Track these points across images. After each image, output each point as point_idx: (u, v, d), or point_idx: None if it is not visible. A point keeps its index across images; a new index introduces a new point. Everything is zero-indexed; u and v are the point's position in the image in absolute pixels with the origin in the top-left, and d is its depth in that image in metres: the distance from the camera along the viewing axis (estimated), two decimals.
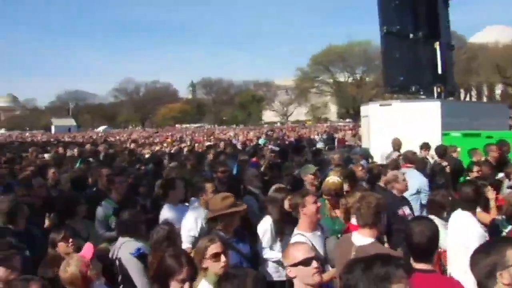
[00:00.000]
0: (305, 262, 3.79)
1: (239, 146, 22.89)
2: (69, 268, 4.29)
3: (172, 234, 5.15)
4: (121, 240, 5.68)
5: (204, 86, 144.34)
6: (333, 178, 6.96)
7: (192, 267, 3.92)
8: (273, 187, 7.60)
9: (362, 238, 4.79)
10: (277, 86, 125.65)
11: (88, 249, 4.58)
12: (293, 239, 5.34)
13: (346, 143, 24.93)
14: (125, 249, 5.46)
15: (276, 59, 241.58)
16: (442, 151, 11.20)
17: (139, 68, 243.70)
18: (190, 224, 6.47)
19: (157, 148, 22.89)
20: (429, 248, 4.05)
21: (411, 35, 15.42)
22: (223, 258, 4.26)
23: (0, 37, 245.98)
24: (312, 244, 4.85)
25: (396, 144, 12.57)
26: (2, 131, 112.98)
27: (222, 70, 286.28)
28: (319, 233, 5.68)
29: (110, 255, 5.54)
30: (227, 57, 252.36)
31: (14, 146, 30.13)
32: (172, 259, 3.86)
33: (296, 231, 5.60)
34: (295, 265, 3.81)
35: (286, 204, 6.32)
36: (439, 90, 15.56)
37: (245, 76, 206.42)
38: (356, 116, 61.80)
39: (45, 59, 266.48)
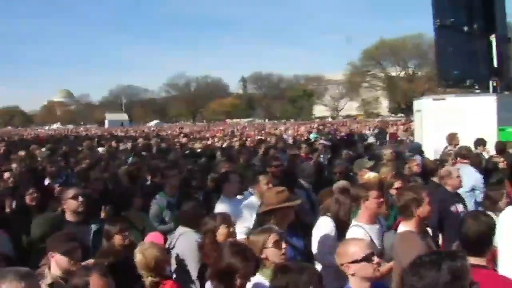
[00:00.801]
0: (366, 258, 3.72)
1: (290, 141, 22.90)
2: (149, 252, 4.42)
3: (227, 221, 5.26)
4: (180, 230, 5.82)
5: (255, 80, 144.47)
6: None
7: (256, 261, 3.99)
8: (336, 186, 7.45)
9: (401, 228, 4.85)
10: (328, 81, 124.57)
11: (157, 236, 4.72)
12: (351, 232, 5.29)
13: (398, 138, 24.62)
14: (183, 240, 5.60)
15: (327, 53, 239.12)
16: (501, 147, 10.95)
17: (190, 63, 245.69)
18: (245, 215, 6.54)
19: (209, 142, 23.08)
20: (482, 242, 4.00)
21: (465, 28, 15.03)
22: (283, 245, 4.32)
23: (54, 34, 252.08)
24: (370, 238, 4.89)
25: (452, 139, 12.31)
26: (58, 125, 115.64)
27: (273, 64, 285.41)
28: (377, 226, 5.56)
29: (166, 245, 5.65)
30: (278, 52, 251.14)
31: (70, 140, 30.86)
32: (235, 255, 3.87)
33: (354, 222, 5.51)
34: (355, 261, 3.72)
35: None
36: (494, 84, 15.15)
37: (296, 71, 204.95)
38: (408, 111, 60.82)
39: (99, 55, 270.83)
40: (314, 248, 5.83)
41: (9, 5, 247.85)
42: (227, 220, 5.25)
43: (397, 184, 7.06)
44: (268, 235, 4.35)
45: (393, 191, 6.85)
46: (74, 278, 3.57)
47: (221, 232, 5.10)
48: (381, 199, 5.62)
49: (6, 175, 9.21)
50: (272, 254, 4.27)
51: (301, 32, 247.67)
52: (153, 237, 4.86)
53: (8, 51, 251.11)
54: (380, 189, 6.38)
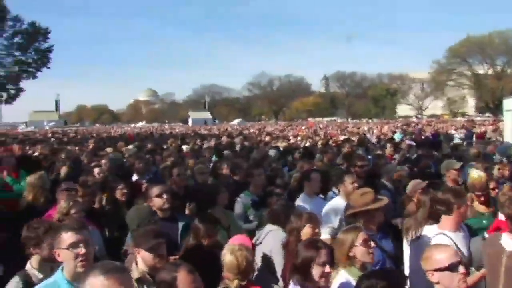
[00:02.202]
0: (451, 267, 3.58)
1: (373, 141, 22.57)
2: (241, 254, 4.40)
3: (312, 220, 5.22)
4: (268, 227, 5.86)
5: (337, 79, 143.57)
6: (477, 172, 6.63)
7: (330, 251, 3.99)
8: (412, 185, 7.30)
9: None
10: (412, 79, 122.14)
11: (246, 239, 4.74)
12: (436, 240, 4.92)
13: (486, 138, 23.79)
14: (271, 237, 5.64)
15: (411, 51, 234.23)
16: None
17: (273, 62, 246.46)
18: (329, 216, 6.50)
19: (291, 141, 23.08)
20: None
21: None
22: (372, 244, 4.30)
23: (141, 35, 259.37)
24: (456, 246, 4.63)
25: None
26: (143, 123, 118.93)
27: (355, 63, 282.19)
28: (462, 233, 5.15)
29: (253, 241, 5.68)
30: (361, 50, 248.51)
31: (155, 138, 31.62)
32: (307, 248, 3.97)
33: (437, 230, 5.09)
34: (439, 269, 3.61)
35: None
36: None
37: (379, 69, 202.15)
38: (496, 110, 58.77)
39: (182, 54, 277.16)
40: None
41: (97, 6, 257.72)
42: (313, 220, 5.20)
43: (492, 184, 6.82)
44: (357, 233, 4.33)
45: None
46: (161, 274, 3.61)
47: (306, 231, 5.08)
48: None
49: (96, 170, 9.51)
50: (360, 252, 4.25)
51: (384, 30, 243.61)
52: (241, 239, 4.87)
53: (98, 52, 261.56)
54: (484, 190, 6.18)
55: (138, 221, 5.99)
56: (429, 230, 5.12)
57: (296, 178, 8.99)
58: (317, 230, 5.18)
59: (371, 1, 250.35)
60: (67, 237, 3.58)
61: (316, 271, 3.85)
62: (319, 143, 19.82)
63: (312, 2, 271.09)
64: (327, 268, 3.87)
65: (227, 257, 4.42)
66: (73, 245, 3.54)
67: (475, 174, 6.58)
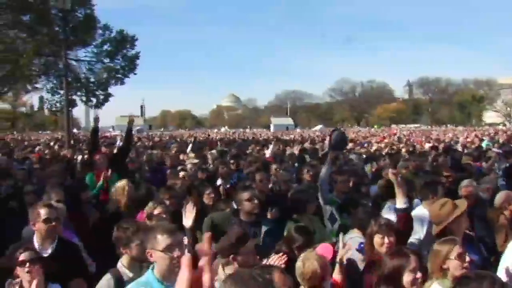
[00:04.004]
0: None
1: (459, 149, 21.91)
2: (309, 264, 4.35)
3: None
4: (350, 234, 5.79)
5: (421, 85, 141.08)
6: None
7: (419, 258, 3.92)
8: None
9: None
10: (500, 85, 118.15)
11: (328, 249, 4.71)
12: None
13: None
14: (353, 244, 5.53)
15: (499, 56, 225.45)
16: None
17: (355, 68, 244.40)
18: (416, 226, 6.33)
19: (374, 148, 22.76)
20: None
21: None
22: (467, 258, 4.17)
23: (224, 41, 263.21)
24: None
25: None
26: (225, 128, 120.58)
27: (440, 68, 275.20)
28: None
29: (336, 247, 5.62)
30: (446, 55, 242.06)
31: (238, 143, 31.96)
32: (394, 256, 3.93)
33: None
34: None
35: None
36: None
37: (465, 74, 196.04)
38: None
39: (265, 60, 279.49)
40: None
41: (180, 14, 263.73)
42: (385, 229, 5.07)
43: None
44: (453, 246, 4.22)
45: None
46: None
47: (376, 240, 4.99)
48: None
49: (181, 174, 9.70)
50: (454, 266, 4.13)
51: (470, 33, 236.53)
52: (323, 249, 4.83)
53: (182, 58, 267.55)
54: None
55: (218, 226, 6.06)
56: None
57: (380, 185, 8.84)
58: (386, 241, 5.01)
59: (455, 2, 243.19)
60: (163, 239, 3.64)
61: (407, 278, 3.80)
62: (403, 150, 19.46)
63: (394, 5, 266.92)
64: (419, 274, 3.82)
65: (298, 263, 4.45)
66: (169, 248, 3.61)
67: None
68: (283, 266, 4.38)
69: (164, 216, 5.92)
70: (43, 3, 30.08)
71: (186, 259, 1.14)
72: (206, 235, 4.81)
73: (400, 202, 5.61)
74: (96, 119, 11.17)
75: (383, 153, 17.34)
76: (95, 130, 11.25)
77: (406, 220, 5.63)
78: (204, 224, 6.15)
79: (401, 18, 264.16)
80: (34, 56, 33.20)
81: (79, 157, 14.63)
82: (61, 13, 31.49)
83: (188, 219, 5.17)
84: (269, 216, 7.08)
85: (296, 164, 13.62)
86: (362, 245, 5.33)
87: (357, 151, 19.58)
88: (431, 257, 4.31)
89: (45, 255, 4.71)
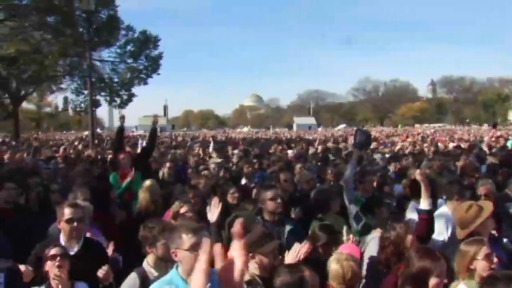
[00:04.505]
0: None
1: (484, 148, 21.66)
2: (347, 264, 4.27)
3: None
4: (373, 234, 5.78)
5: (445, 84, 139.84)
6: None
7: (447, 261, 3.88)
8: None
9: None
10: None
11: (355, 248, 4.70)
12: None
13: None
14: (373, 244, 5.52)
15: None
16: None
17: (378, 67, 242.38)
18: (439, 227, 6.27)
19: (398, 147, 22.61)
20: None
21: None
22: (495, 259, 4.14)
23: (246, 41, 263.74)
24: None
25: None
26: (248, 128, 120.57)
27: (464, 67, 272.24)
28: None
29: (359, 247, 5.62)
30: (470, 53, 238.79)
31: (261, 143, 31.94)
32: (423, 257, 3.83)
33: None
34: None
35: None
36: None
37: (490, 73, 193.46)
38: None
39: (287, 60, 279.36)
40: None
41: (202, 15, 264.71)
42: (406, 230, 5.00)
43: None
44: (480, 247, 4.19)
45: None
46: (283, 276, 3.64)
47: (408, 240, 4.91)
48: None
49: (205, 173, 9.72)
50: (481, 266, 4.11)
51: (494, 31, 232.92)
52: (350, 248, 4.81)
53: (204, 58, 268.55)
54: None
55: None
56: None
57: (404, 185, 8.81)
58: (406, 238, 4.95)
59: (480, 2, 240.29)
60: (187, 238, 3.63)
61: (433, 282, 3.72)
62: (427, 150, 19.31)
63: (415, 5, 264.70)
64: (445, 280, 3.78)
65: (333, 265, 4.31)
66: (194, 247, 3.60)
67: None
68: (304, 256, 4.39)
69: (191, 214, 5.95)
70: (67, 5, 30.44)
71: (206, 245, 1.15)
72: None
73: (425, 204, 5.56)
74: (122, 118, 11.21)
75: (406, 153, 17.21)
76: (121, 129, 11.32)
77: (427, 221, 5.58)
78: (227, 221, 6.18)
79: (425, 18, 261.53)
80: (59, 57, 33.71)
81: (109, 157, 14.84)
82: (85, 14, 31.80)
83: (213, 214, 5.20)
84: (293, 215, 7.08)
85: (318, 164, 13.60)
86: None
87: (381, 150, 19.45)
88: (457, 257, 4.29)
89: (71, 253, 4.75)
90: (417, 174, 5.73)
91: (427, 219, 5.56)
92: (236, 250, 1.19)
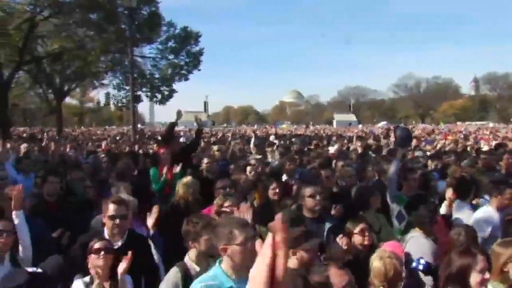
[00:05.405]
0: None
1: None
2: (390, 261, 4.26)
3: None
4: (412, 233, 5.73)
5: (489, 81, 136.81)
6: None
7: (487, 257, 3.80)
8: None
9: None
10: None
11: (398, 246, 4.66)
12: None
13: None
14: (412, 244, 5.48)
15: None
16: None
17: (420, 63, 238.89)
18: (479, 225, 6.19)
19: (439, 145, 22.28)
20: None
21: None
22: None
23: (286, 37, 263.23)
24: None
25: None
26: (288, 124, 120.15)
27: (508, 63, 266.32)
28: None
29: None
30: None
31: (300, 139, 31.88)
32: (462, 255, 3.78)
33: None
34: None
35: None
36: None
37: None
38: None
39: (327, 56, 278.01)
40: None
41: (243, 12, 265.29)
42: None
43: None
44: None
45: None
46: (313, 277, 3.65)
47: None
48: None
49: (248, 169, 9.73)
50: None
51: None
52: (394, 246, 4.76)
53: (244, 54, 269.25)
54: None
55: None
56: None
57: (448, 184, 8.68)
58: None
59: None
60: (239, 233, 3.62)
61: (474, 279, 3.64)
62: (469, 148, 19.00)
63: (460, 2, 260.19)
64: (487, 275, 3.67)
65: (375, 263, 4.30)
66: (245, 242, 3.59)
67: None
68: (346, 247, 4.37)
69: (235, 208, 5.95)
70: (110, 2, 30.85)
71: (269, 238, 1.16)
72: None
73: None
74: (179, 113, 11.32)
75: (447, 150, 16.95)
76: (173, 125, 11.44)
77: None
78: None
79: (468, 13, 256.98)
80: (102, 54, 34.21)
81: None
82: (127, 11, 32.22)
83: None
84: (333, 212, 7.06)
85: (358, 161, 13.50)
86: (424, 263, 4.96)
87: (423, 148, 19.20)
88: (494, 257, 4.12)
89: (116, 247, 4.82)
90: None
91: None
92: (276, 245, 1.18)
